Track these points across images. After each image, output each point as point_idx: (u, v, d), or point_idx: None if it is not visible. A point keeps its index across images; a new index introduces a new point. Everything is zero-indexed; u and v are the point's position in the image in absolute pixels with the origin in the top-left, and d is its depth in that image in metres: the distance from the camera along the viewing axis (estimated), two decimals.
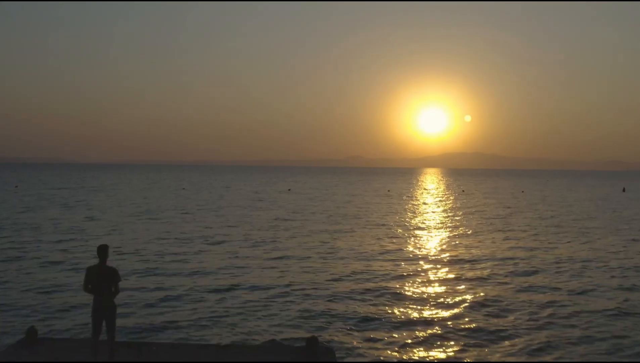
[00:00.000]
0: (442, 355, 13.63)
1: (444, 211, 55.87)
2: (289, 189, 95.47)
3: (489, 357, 13.55)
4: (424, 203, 67.67)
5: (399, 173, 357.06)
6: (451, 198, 79.76)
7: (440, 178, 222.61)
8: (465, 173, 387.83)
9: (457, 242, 32.40)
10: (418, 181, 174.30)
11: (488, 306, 17.86)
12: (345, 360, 13.12)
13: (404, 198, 78.72)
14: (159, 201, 63.21)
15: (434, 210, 56.57)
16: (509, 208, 59.69)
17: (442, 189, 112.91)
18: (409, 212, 53.74)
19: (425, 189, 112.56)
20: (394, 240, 32.89)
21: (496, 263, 25.51)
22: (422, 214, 51.92)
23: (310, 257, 26.42)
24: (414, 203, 68.55)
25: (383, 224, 41.38)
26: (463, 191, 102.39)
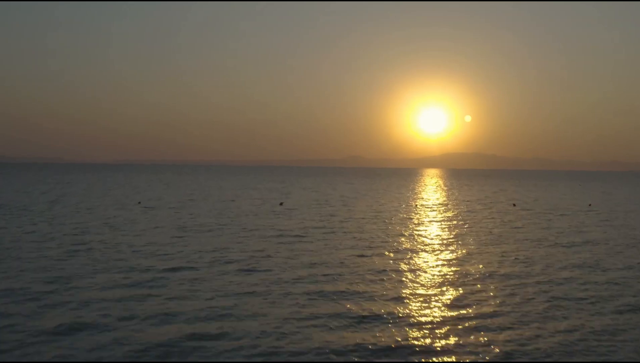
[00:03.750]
0: None
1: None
2: (281, 204, 72.94)
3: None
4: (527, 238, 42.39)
5: (403, 174, 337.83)
6: (539, 223, 55.01)
7: (463, 182, 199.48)
8: (469, 173, 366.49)
9: None
10: (441, 186, 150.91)
11: None
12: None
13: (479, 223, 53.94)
14: (75, 226, 38.42)
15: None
16: None
17: (490, 201, 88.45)
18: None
19: (469, 201, 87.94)
20: None
21: None
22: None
23: None
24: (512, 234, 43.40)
25: None
26: (514, 205, 77.86)
